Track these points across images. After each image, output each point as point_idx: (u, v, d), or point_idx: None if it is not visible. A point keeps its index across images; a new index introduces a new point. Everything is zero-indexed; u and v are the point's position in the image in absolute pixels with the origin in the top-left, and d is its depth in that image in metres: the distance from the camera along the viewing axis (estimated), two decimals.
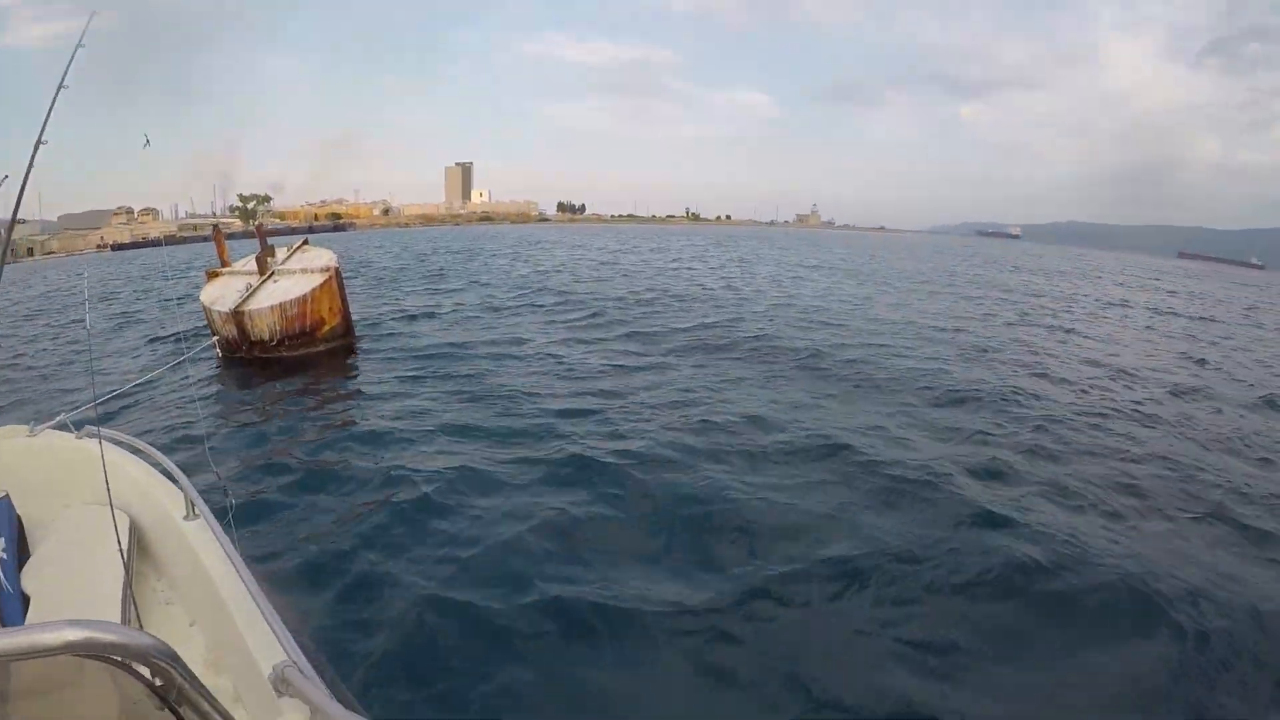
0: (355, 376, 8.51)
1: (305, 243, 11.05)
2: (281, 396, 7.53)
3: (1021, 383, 8.20)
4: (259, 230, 11.42)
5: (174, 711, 0.97)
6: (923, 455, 5.44)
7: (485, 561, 3.76)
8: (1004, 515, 4.35)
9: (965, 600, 3.50)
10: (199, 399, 7.68)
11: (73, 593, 1.93)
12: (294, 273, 9.58)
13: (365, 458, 5.48)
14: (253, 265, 9.92)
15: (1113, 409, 7.37)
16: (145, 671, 0.93)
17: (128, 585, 1.92)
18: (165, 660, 0.92)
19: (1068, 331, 13.25)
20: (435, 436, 5.94)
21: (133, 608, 1.86)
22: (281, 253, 10.42)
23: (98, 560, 2.03)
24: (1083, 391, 8.15)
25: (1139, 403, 7.77)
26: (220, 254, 10.49)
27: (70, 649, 0.80)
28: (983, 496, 4.67)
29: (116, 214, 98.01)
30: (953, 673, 2.97)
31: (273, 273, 9.64)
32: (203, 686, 0.99)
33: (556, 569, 3.66)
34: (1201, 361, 11.07)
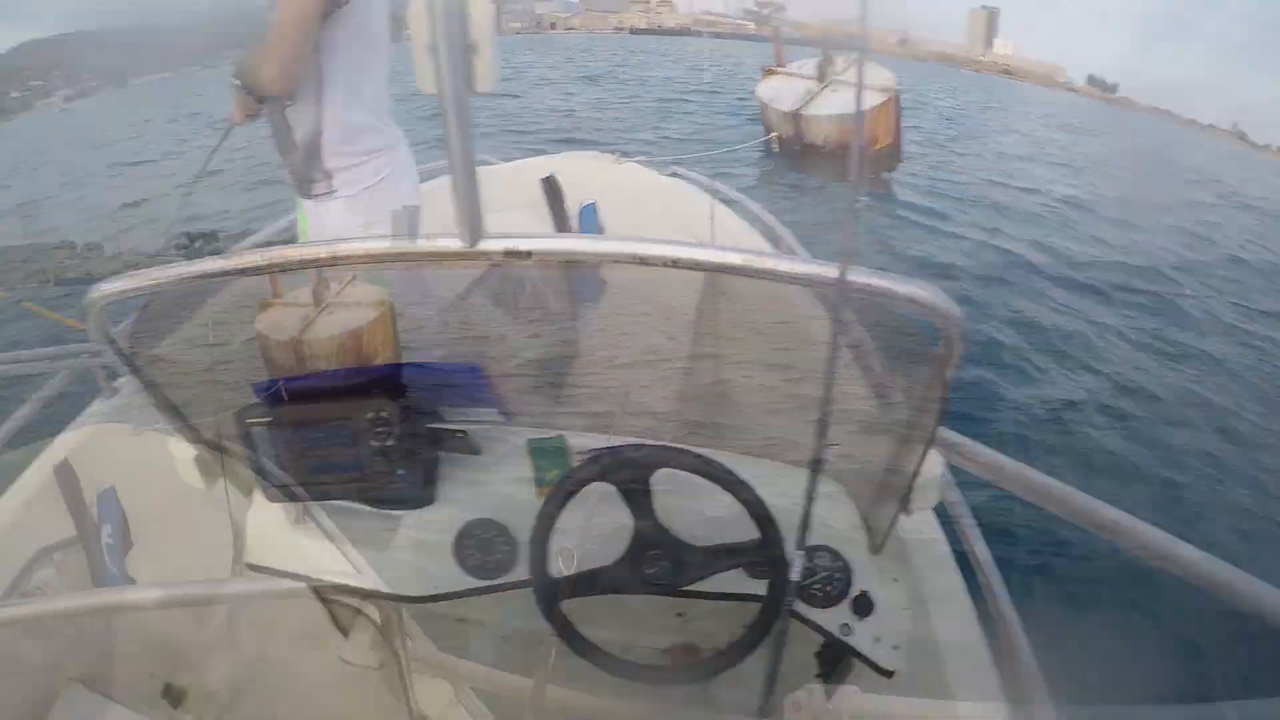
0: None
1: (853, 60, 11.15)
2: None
3: None
4: (774, 38, 11.71)
5: None
6: None
7: None
8: None
9: None
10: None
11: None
12: (851, 85, 9.82)
13: None
14: (811, 70, 10.47)
15: None
16: None
17: None
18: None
19: None
20: None
21: None
22: (840, 62, 10.73)
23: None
24: None
25: None
26: (777, 56, 11.22)
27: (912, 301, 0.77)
28: None
29: (635, 0, 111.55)
30: None
31: (831, 82, 10.11)
32: None
33: None
34: None
